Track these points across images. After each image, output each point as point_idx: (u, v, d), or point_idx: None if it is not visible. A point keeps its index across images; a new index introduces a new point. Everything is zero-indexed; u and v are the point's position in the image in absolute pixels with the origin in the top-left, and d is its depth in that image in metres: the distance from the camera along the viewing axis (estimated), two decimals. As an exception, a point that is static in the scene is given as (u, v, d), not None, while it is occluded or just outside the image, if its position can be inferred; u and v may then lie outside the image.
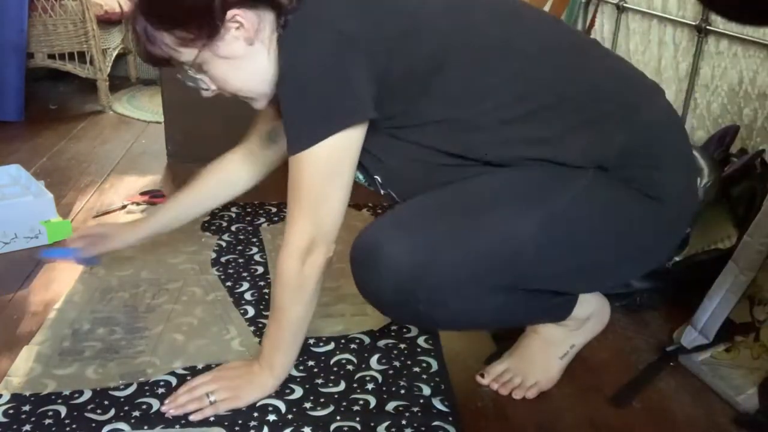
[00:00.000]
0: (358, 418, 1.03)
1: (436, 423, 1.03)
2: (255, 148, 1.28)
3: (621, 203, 0.93)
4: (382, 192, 1.03)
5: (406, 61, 0.91)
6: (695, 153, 1.27)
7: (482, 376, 1.14)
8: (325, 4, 0.90)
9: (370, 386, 1.11)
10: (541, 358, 1.12)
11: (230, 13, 0.90)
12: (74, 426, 1.01)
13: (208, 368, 1.14)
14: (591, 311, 1.11)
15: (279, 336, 1.04)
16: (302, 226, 0.96)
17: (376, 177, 1.01)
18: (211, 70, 0.96)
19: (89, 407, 1.05)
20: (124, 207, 1.80)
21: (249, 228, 1.69)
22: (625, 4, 1.98)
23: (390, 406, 1.06)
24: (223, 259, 1.52)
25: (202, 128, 2.15)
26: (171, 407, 1.03)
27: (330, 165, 0.92)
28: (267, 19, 0.93)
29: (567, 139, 0.91)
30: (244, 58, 0.94)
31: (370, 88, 0.90)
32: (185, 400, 1.04)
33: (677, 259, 1.30)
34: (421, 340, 1.24)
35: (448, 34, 0.92)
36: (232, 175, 1.32)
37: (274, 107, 1.03)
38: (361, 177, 1.03)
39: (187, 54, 0.94)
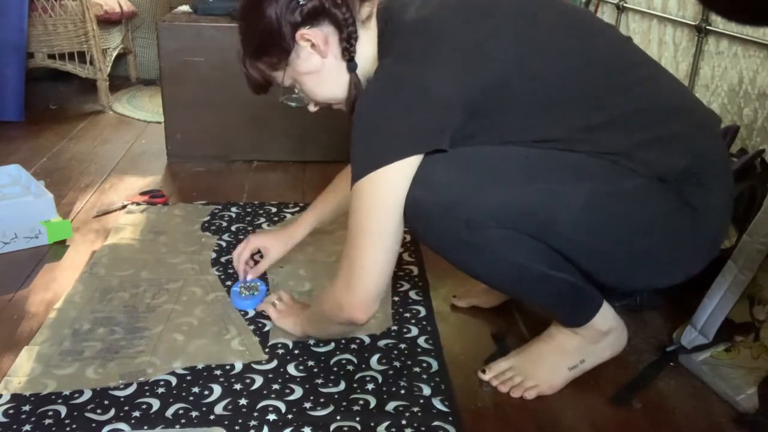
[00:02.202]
0: (358, 418, 1.03)
1: (436, 423, 1.03)
2: None
3: (669, 209, 0.96)
4: None
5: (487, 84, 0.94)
6: None
7: (484, 372, 1.14)
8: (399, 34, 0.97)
9: (370, 386, 1.11)
10: (549, 362, 1.12)
11: (298, 34, 0.99)
12: (74, 426, 1.01)
13: (208, 368, 1.14)
14: (610, 326, 1.11)
15: (314, 316, 1.16)
16: (345, 271, 1.00)
17: None
18: (302, 86, 1.07)
19: (89, 407, 1.05)
20: (124, 207, 1.80)
21: (249, 228, 1.69)
22: (625, 4, 1.98)
23: (390, 406, 1.06)
24: (223, 259, 1.52)
25: (202, 128, 2.16)
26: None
27: (374, 206, 0.96)
28: (332, 34, 1.01)
29: (635, 154, 0.95)
30: (323, 71, 1.04)
31: (446, 125, 0.93)
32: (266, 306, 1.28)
33: None
34: (421, 341, 1.24)
35: (523, 56, 0.95)
36: None
37: None
38: None
39: (278, 76, 1.07)
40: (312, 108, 1.13)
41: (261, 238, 1.38)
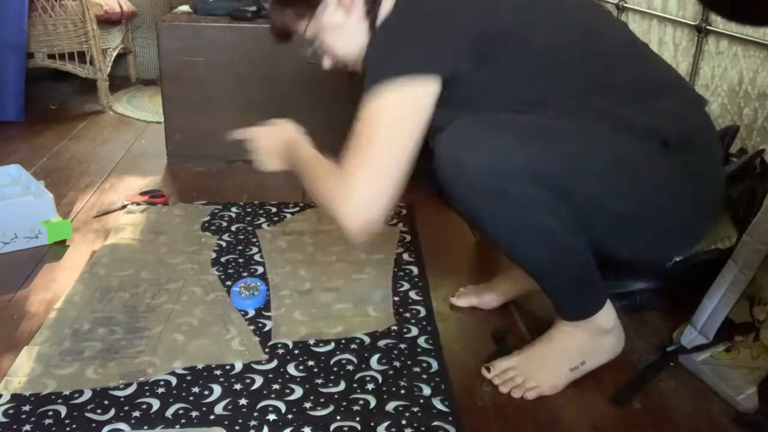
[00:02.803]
0: (358, 418, 1.03)
1: (436, 423, 1.03)
2: None
3: (674, 173, 1.00)
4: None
5: (494, 26, 0.98)
6: None
7: (488, 369, 1.15)
8: None
9: (370, 386, 1.11)
10: (551, 364, 1.12)
11: None
12: (74, 426, 1.01)
13: (208, 368, 1.14)
14: (612, 325, 1.12)
15: (307, 151, 1.13)
16: (348, 179, 0.97)
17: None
18: (322, 41, 1.11)
19: (89, 407, 1.05)
20: (124, 207, 1.80)
21: (249, 228, 1.69)
22: (625, 4, 1.98)
23: (390, 406, 1.06)
24: (223, 259, 1.53)
25: (202, 128, 2.16)
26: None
27: (390, 117, 0.95)
28: None
29: (637, 119, 0.98)
30: (345, 28, 1.08)
31: (456, 58, 0.96)
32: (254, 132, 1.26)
33: (677, 259, 1.30)
34: (421, 340, 1.24)
35: (537, 15, 1.01)
36: None
37: None
38: None
39: (302, 25, 1.10)
40: (327, 64, 1.15)
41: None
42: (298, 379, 1.12)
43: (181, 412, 1.04)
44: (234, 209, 1.80)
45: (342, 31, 1.09)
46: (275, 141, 1.20)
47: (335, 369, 1.15)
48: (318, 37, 1.11)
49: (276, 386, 1.10)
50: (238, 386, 1.10)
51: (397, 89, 0.94)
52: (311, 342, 1.22)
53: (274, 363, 1.17)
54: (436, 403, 1.07)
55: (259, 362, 1.17)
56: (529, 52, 0.99)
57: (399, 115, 0.95)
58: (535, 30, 0.99)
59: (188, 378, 1.12)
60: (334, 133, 2.31)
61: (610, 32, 1.07)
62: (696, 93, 1.11)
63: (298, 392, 1.09)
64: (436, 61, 0.96)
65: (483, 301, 1.35)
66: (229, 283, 1.42)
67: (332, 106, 2.17)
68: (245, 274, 1.46)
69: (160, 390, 1.09)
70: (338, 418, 1.04)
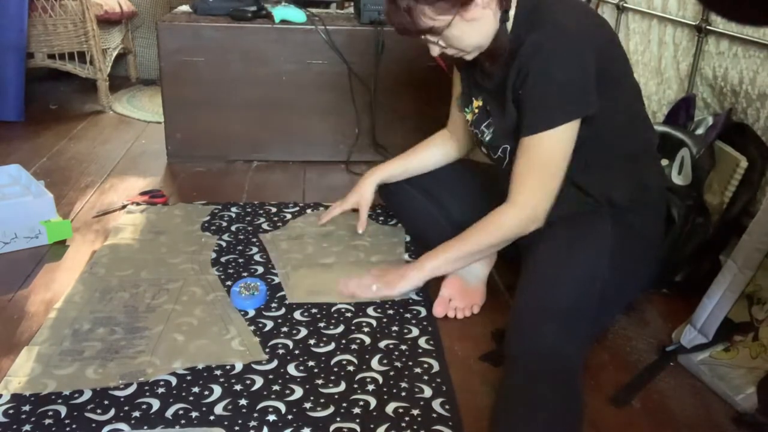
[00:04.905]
0: (357, 420, 1.03)
1: (436, 427, 1.03)
2: (456, 120, 1.47)
3: (633, 246, 1.20)
4: (494, 156, 1.27)
5: (607, 65, 1.13)
6: (673, 131, 1.45)
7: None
8: None
9: (370, 387, 1.11)
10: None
11: None
12: (74, 426, 1.01)
13: (208, 368, 1.14)
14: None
15: (444, 250, 1.27)
16: (529, 195, 1.17)
17: (506, 145, 1.23)
18: (452, 32, 1.13)
19: (89, 407, 1.05)
20: (124, 207, 1.80)
21: (249, 228, 1.69)
22: (625, 4, 1.98)
23: (390, 408, 1.06)
24: (223, 259, 1.53)
25: (202, 128, 2.16)
26: (342, 288, 1.36)
27: (560, 149, 1.14)
28: None
29: (608, 193, 1.22)
30: (480, 20, 1.13)
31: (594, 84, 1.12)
32: (354, 286, 1.35)
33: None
34: (422, 341, 1.24)
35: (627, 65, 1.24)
36: (440, 147, 1.51)
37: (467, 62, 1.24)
38: (488, 136, 1.25)
39: (441, 21, 1.11)
40: (436, 51, 1.19)
41: (354, 196, 1.51)
42: (299, 380, 1.12)
43: (181, 412, 1.04)
44: (234, 209, 1.80)
45: (479, 23, 1.13)
46: (409, 283, 1.32)
47: (335, 369, 1.15)
48: (449, 29, 1.12)
49: (276, 387, 1.11)
50: (238, 386, 1.10)
51: (564, 130, 1.12)
52: (311, 342, 1.22)
53: (275, 363, 1.17)
54: (436, 406, 1.07)
55: (259, 362, 1.17)
56: (621, 91, 1.20)
57: (566, 148, 1.14)
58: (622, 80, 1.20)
59: (188, 378, 1.12)
60: (334, 133, 2.33)
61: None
62: (654, 139, 1.31)
63: (298, 392, 1.09)
64: (592, 103, 1.12)
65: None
66: (229, 283, 1.42)
67: (332, 106, 2.17)
68: (245, 274, 1.46)
69: (160, 390, 1.09)
70: (338, 419, 1.04)
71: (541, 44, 1.10)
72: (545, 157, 1.14)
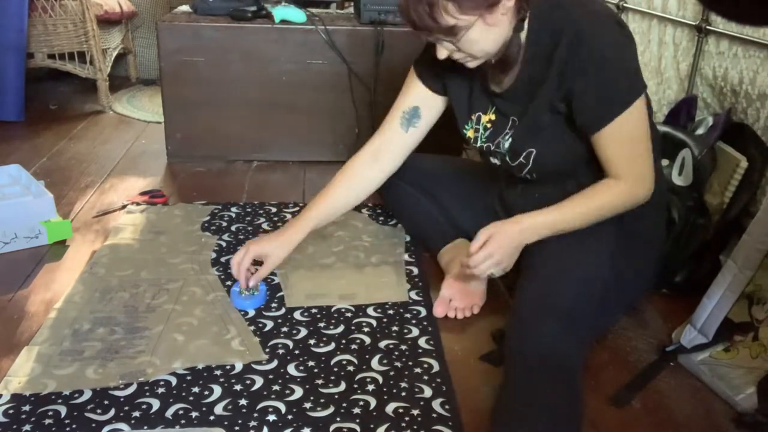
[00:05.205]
0: (357, 420, 1.03)
1: (436, 427, 1.03)
2: (392, 137, 1.37)
3: (635, 248, 1.23)
4: (514, 162, 1.24)
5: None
6: (675, 131, 1.44)
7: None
8: None
9: (370, 387, 1.11)
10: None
11: None
12: (74, 426, 1.01)
13: (208, 368, 1.14)
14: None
15: (545, 213, 1.19)
16: (636, 170, 1.16)
17: (531, 150, 1.21)
18: (470, 35, 1.09)
19: (89, 407, 1.05)
20: (124, 207, 1.80)
21: (249, 228, 1.69)
22: (625, 4, 1.98)
23: (390, 408, 1.06)
24: (223, 259, 1.52)
25: (202, 128, 2.16)
26: (472, 268, 1.20)
27: (641, 123, 1.14)
28: None
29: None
30: (498, 26, 1.10)
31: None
32: (481, 270, 1.20)
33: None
34: (422, 341, 1.24)
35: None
36: (360, 180, 1.39)
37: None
38: (507, 145, 1.24)
39: (463, 21, 1.06)
40: (444, 54, 1.14)
41: (260, 245, 1.32)
42: (299, 380, 1.12)
43: (181, 412, 1.04)
44: (234, 209, 1.80)
45: (497, 29, 1.10)
46: (511, 246, 1.21)
47: (336, 369, 1.15)
48: (467, 31, 1.08)
49: (276, 387, 1.11)
50: (238, 387, 1.10)
51: (636, 106, 1.12)
52: (311, 342, 1.22)
53: (275, 363, 1.17)
54: (436, 406, 1.07)
55: (259, 362, 1.17)
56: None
57: (644, 123, 1.15)
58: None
59: (188, 378, 1.12)
60: (334, 133, 2.33)
61: None
62: (657, 143, 1.28)
63: (298, 393, 1.09)
64: (642, 80, 1.14)
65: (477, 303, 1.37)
66: (229, 283, 1.42)
67: (332, 106, 2.17)
68: (245, 274, 1.46)
69: (160, 390, 1.09)
70: (338, 419, 1.04)
71: (582, 38, 1.08)
72: (631, 135, 1.14)
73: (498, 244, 1.17)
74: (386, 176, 1.40)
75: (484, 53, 1.13)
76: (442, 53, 1.14)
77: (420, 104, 1.33)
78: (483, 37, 1.09)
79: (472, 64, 1.16)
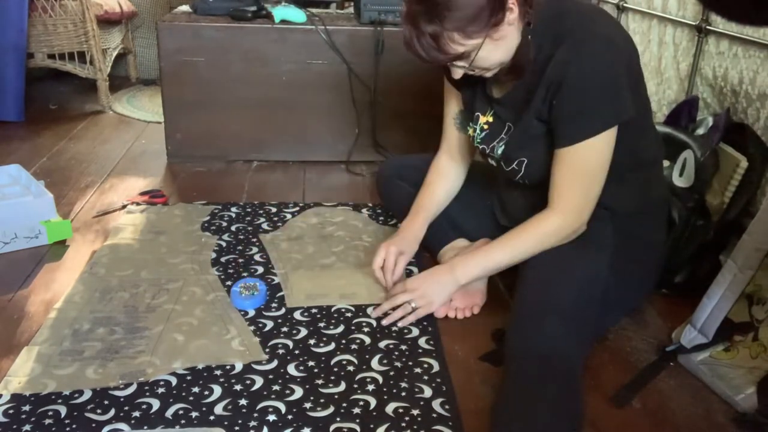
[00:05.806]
0: (357, 420, 1.03)
1: (436, 427, 1.03)
2: (455, 140, 1.43)
3: (635, 251, 1.23)
4: (507, 168, 1.24)
5: (631, 76, 1.12)
6: (676, 132, 1.44)
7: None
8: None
9: (370, 387, 1.11)
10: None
11: (510, 1, 1.07)
12: (74, 426, 1.01)
13: (208, 369, 1.14)
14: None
15: (477, 253, 1.24)
16: (574, 202, 1.16)
17: (522, 159, 1.21)
18: (480, 54, 1.09)
19: (89, 407, 1.05)
20: (124, 207, 1.80)
21: (249, 228, 1.69)
22: (625, 4, 1.98)
23: (390, 408, 1.06)
24: (223, 259, 1.53)
25: (202, 128, 2.16)
26: (382, 318, 1.26)
27: (602, 156, 1.13)
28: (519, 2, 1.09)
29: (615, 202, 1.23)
30: (506, 38, 1.10)
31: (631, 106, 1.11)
32: (388, 307, 1.27)
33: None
34: (422, 341, 1.24)
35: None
36: (451, 173, 1.46)
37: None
38: (500, 150, 1.24)
39: (471, 45, 1.07)
40: (459, 74, 1.15)
41: (397, 245, 1.37)
42: (299, 380, 1.12)
43: (181, 412, 1.04)
44: (234, 209, 1.80)
45: (505, 41, 1.10)
46: (444, 292, 1.28)
47: (335, 369, 1.15)
48: (481, 52, 1.09)
49: (276, 387, 1.11)
50: (238, 387, 1.10)
51: (604, 137, 1.11)
52: (311, 342, 1.22)
53: (275, 363, 1.17)
54: (437, 406, 1.07)
55: (259, 362, 1.17)
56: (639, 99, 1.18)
57: (605, 157, 1.13)
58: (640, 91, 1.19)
59: (188, 378, 1.12)
60: (334, 133, 2.33)
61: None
62: (661, 151, 1.33)
63: (298, 393, 1.09)
64: (628, 108, 1.11)
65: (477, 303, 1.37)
66: (229, 283, 1.42)
67: (332, 106, 2.17)
68: (245, 274, 1.46)
69: (160, 390, 1.09)
70: (338, 419, 1.04)
71: (572, 55, 1.08)
72: (586, 166, 1.13)
73: (425, 290, 1.27)
74: (466, 169, 1.47)
75: (496, 65, 1.14)
76: (457, 73, 1.15)
77: (462, 107, 1.38)
78: (493, 53, 1.10)
79: (488, 75, 1.17)
